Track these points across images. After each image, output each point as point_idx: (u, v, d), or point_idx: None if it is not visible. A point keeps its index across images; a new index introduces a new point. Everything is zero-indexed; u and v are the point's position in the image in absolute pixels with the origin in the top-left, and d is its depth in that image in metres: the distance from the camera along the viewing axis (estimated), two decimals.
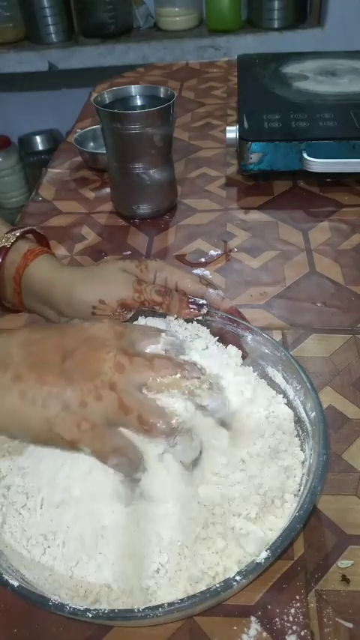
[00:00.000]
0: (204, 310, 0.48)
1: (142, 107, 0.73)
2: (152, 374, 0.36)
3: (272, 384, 0.47)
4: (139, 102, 0.74)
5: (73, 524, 0.38)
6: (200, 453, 0.39)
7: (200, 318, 0.48)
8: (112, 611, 0.32)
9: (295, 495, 0.39)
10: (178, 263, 0.69)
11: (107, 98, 0.73)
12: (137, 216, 0.77)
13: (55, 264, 0.52)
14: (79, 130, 0.96)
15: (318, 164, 0.76)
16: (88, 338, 0.37)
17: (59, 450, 0.37)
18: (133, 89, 0.74)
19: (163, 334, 0.40)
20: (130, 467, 0.36)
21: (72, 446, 0.35)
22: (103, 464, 0.36)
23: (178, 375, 0.36)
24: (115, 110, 0.69)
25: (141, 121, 0.68)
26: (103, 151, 0.83)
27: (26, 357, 0.36)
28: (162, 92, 0.73)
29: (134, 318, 0.48)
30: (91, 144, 0.94)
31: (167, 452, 0.37)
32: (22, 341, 0.37)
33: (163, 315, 0.53)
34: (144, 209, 0.77)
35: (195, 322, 0.52)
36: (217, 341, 0.49)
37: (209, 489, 0.39)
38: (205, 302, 0.48)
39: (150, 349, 0.38)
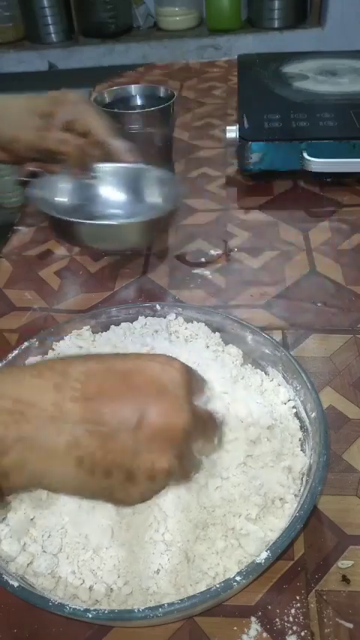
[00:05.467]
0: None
1: (142, 107, 0.73)
2: (205, 437, 0.34)
3: (272, 382, 0.47)
4: (139, 102, 0.75)
5: (74, 525, 0.38)
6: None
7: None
8: (112, 611, 0.32)
9: (295, 496, 0.39)
10: (177, 263, 0.69)
11: (107, 98, 0.73)
12: None
13: None
14: None
15: (318, 164, 0.76)
16: (160, 392, 0.31)
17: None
18: (133, 89, 0.75)
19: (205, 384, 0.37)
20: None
21: (130, 505, 0.33)
22: None
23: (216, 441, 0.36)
24: (115, 110, 0.69)
25: (141, 120, 0.68)
26: None
27: (84, 418, 0.30)
28: (162, 92, 0.73)
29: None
30: None
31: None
32: (77, 394, 0.30)
33: (163, 316, 0.53)
34: None
35: (195, 322, 0.52)
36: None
37: (210, 490, 0.39)
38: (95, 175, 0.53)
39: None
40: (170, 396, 0.31)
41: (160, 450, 0.30)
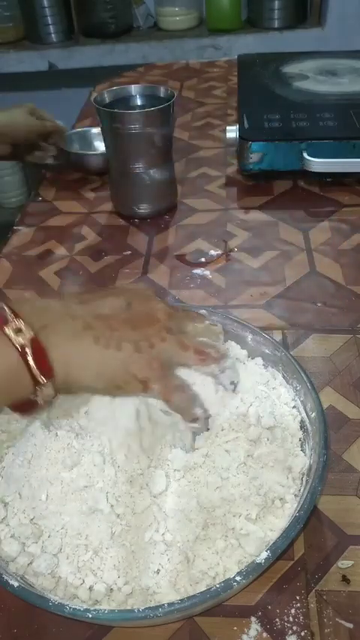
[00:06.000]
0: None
1: (142, 107, 0.73)
2: (191, 322, 0.43)
3: (274, 382, 0.47)
4: (139, 102, 0.74)
5: (73, 525, 0.38)
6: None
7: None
8: (112, 611, 0.32)
9: (295, 495, 0.39)
10: (177, 263, 0.69)
11: (107, 98, 0.73)
12: (137, 216, 0.77)
13: None
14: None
15: (318, 164, 0.76)
16: (136, 293, 0.42)
17: (124, 396, 0.40)
18: (133, 89, 0.74)
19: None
20: (189, 404, 0.39)
21: (144, 385, 0.38)
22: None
23: (207, 322, 0.43)
24: (116, 110, 0.69)
25: (141, 120, 0.67)
26: (90, 152, 0.86)
27: (87, 309, 0.38)
28: (162, 92, 0.73)
29: None
30: (76, 145, 0.93)
31: (217, 380, 0.42)
32: (78, 300, 0.40)
33: None
34: (144, 209, 0.77)
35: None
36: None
37: (210, 490, 0.39)
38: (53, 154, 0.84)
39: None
40: (142, 293, 0.42)
41: (149, 323, 0.39)
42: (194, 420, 0.40)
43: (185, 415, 0.40)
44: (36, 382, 0.34)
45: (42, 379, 0.34)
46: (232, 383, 0.44)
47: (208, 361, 0.40)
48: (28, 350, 0.34)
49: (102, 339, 0.37)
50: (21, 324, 0.34)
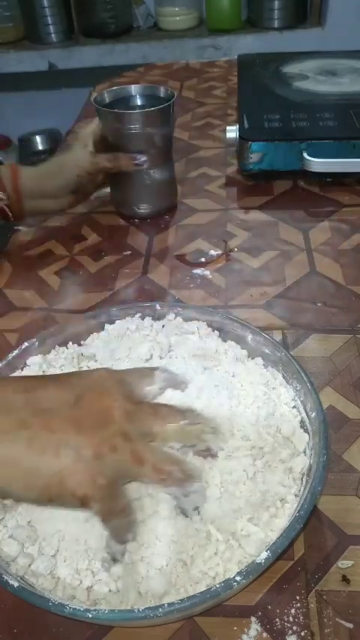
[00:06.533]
0: (144, 163, 0.70)
1: (142, 107, 0.73)
2: (159, 422, 0.35)
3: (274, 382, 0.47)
4: (139, 102, 0.74)
5: (71, 526, 0.37)
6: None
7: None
8: (112, 611, 0.32)
9: (295, 495, 0.39)
10: (177, 263, 0.69)
11: (107, 98, 0.73)
12: (137, 216, 0.77)
13: (34, 167, 0.71)
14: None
15: (318, 164, 0.76)
16: (90, 385, 0.35)
17: (57, 509, 0.35)
18: (133, 89, 0.74)
19: (156, 372, 0.39)
20: (125, 530, 0.35)
21: (82, 503, 0.32)
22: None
23: (182, 422, 0.36)
24: (115, 110, 0.69)
25: (141, 120, 0.68)
26: None
27: (28, 403, 0.33)
28: (162, 92, 0.73)
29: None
30: None
31: (178, 503, 0.36)
32: (19, 388, 0.34)
33: (162, 317, 0.53)
34: (144, 209, 0.77)
35: (196, 321, 0.52)
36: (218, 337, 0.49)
37: (210, 490, 0.39)
38: (144, 158, 0.70)
39: (148, 389, 0.38)
40: (99, 385, 0.35)
41: (100, 426, 0.32)
42: (122, 543, 0.35)
43: (115, 537, 0.35)
44: None
45: None
46: (195, 509, 0.37)
47: (168, 482, 0.34)
48: None
49: (37, 442, 0.31)
50: None
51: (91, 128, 0.71)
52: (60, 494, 0.32)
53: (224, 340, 0.51)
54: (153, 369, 0.40)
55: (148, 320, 0.53)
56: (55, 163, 0.72)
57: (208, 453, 0.39)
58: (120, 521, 0.34)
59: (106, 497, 0.32)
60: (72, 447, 0.31)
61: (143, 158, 0.70)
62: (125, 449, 0.32)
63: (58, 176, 0.70)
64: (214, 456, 0.39)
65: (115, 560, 0.35)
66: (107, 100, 0.73)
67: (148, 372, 0.39)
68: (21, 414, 0.32)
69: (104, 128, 0.71)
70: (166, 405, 0.38)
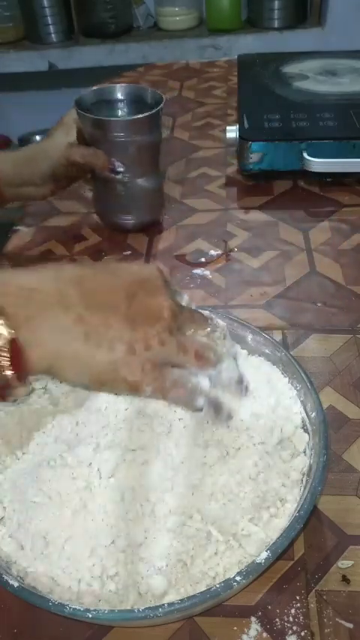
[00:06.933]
0: (119, 172, 0.65)
1: (128, 110, 0.68)
2: (194, 326, 0.39)
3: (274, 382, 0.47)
4: (125, 104, 0.69)
5: (71, 527, 0.37)
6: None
7: None
8: (112, 611, 0.32)
9: (295, 496, 0.39)
10: (177, 263, 0.69)
11: (91, 99, 0.67)
12: (116, 227, 0.74)
13: (13, 152, 0.69)
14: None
15: (318, 164, 0.76)
16: (143, 281, 0.37)
17: (111, 392, 0.39)
18: (119, 90, 0.69)
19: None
20: (189, 397, 0.38)
21: (134, 387, 0.36)
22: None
23: (208, 329, 0.40)
24: (95, 117, 0.63)
25: (125, 128, 0.63)
26: None
27: (84, 296, 0.35)
28: (149, 95, 0.68)
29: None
30: None
31: (215, 384, 0.39)
32: (75, 278, 0.36)
33: None
34: (124, 220, 0.72)
35: None
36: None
37: (210, 491, 0.39)
38: (121, 168, 0.65)
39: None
40: (151, 283, 0.37)
41: (151, 323, 0.36)
42: (197, 410, 0.38)
43: (188, 408, 0.38)
44: (6, 384, 0.32)
45: (14, 382, 0.32)
46: (228, 417, 0.41)
47: (207, 366, 0.38)
48: (4, 354, 0.31)
49: (93, 336, 0.34)
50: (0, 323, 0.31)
51: (76, 115, 0.67)
52: (114, 380, 0.35)
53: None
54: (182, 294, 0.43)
55: None
56: (34, 150, 0.69)
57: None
58: (178, 393, 0.37)
59: (155, 379, 0.36)
60: (125, 341, 0.35)
61: (121, 168, 0.65)
62: (172, 342, 0.36)
63: (37, 163, 0.67)
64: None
65: (229, 417, 0.40)
66: (90, 101, 0.67)
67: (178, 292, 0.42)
68: (79, 310, 0.34)
69: (84, 132, 0.66)
70: (199, 312, 0.41)
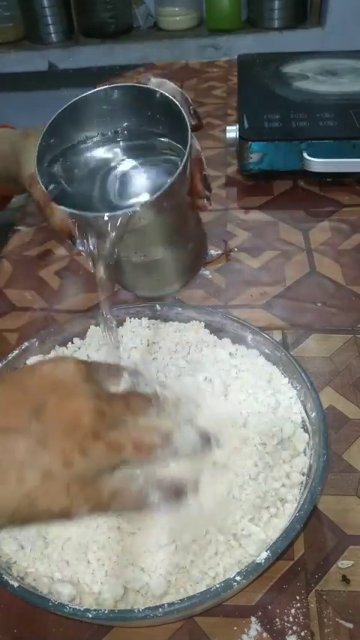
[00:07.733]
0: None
1: (126, 143, 0.42)
2: (131, 415, 0.32)
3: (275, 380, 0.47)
4: (121, 135, 0.42)
5: (71, 526, 0.37)
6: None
7: None
8: (112, 611, 0.32)
9: (295, 496, 0.39)
10: None
11: (59, 139, 0.43)
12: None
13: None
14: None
15: (318, 164, 0.76)
16: (54, 385, 0.31)
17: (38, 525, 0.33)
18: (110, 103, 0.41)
19: (124, 373, 0.36)
20: (136, 500, 0.32)
21: (64, 515, 0.29)
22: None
23: (153, 409, 0.33)
24: (94, 214, 0.37)
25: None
26: None
27: None
28: (160, 104, 0.41)
29: None
30: None
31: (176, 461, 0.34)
32: None
33: (163, 316, 0.53)
34: (141, 292, 0.50)
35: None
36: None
37: (210, 491, 0.39)
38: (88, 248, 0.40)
39: (114, 388, 0.34)
40: (64, 385, 0.31)
41: (66, 434, 0.29)
42: (139, 512, 0.32)
43: (139, 509, 0.32)
44: None
45: None
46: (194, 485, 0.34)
47: (151, 453, 0.31)
48: None
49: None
50: None
51: None
52: (34, 515, 0.29)
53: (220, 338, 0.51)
54: (121, 369, 0.36)
55: (144, 320, 0.53)
56: (6, 152, 0.59)
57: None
58: (122, 502, 0.31)
59: (88, 498, 0.30)
60: (38, 466, 0.28)
61: (89, 248, 0.40)
62: (98, 447, 0.30)
63: (6, 164, 0.59)
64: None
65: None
66: (50, 154, 0.41)
67: (115, 372, 0.36)
68: None
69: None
70: (136, 395, 0.34)
